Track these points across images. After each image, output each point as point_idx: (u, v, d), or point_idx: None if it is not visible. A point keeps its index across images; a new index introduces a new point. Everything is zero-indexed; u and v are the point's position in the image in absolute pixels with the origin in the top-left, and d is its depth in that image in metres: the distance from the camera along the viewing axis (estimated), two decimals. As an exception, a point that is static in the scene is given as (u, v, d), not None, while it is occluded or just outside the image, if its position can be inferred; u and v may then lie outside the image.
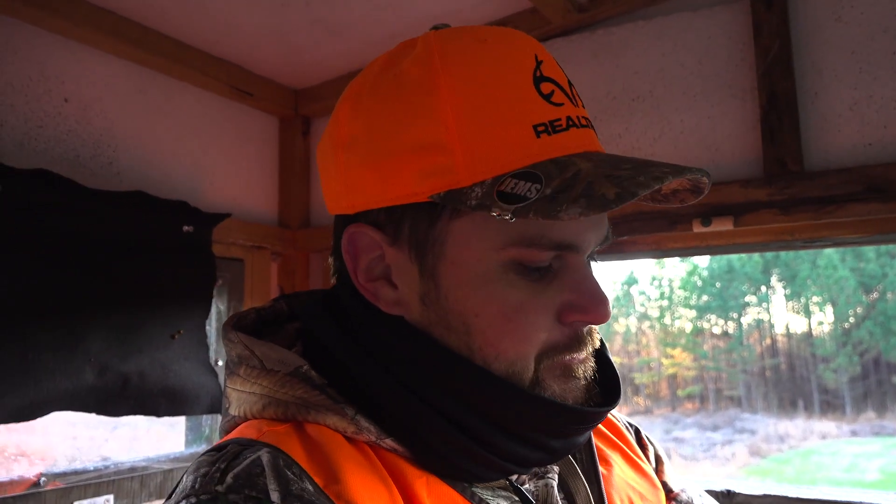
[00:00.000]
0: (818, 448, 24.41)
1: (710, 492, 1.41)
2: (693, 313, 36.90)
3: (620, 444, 0.74)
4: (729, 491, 1.41)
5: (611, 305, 0.58)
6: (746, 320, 36.27)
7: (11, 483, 1.30)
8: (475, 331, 0.55)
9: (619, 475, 0.68)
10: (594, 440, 0.69)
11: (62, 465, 1.41)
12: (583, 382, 0.58)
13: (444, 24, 0.61)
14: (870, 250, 29.45)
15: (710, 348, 36.07)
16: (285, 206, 1.98)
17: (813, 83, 1.37)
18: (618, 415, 0.80)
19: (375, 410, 0.55)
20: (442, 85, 0.55)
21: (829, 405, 31.42)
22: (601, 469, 0.66)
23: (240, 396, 0.59)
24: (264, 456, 0.50)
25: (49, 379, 1.24)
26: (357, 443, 0.55)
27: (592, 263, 0.62)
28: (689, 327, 36.81)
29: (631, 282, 39.47)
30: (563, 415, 0.56)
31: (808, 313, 35.29)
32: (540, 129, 0.54)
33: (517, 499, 0.58)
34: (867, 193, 1.27)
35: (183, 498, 0.48)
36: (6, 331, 1.21)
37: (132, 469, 1.50)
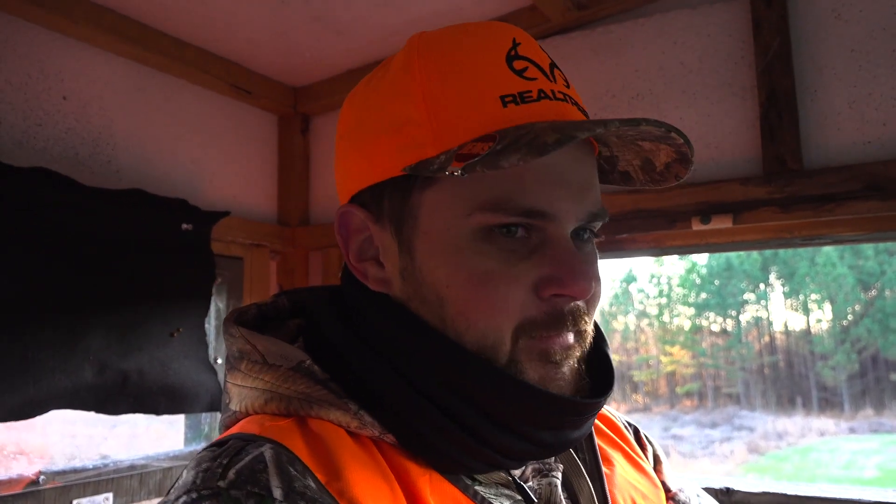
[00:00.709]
0: (816, 445, 24.45)
1: (708, 489, 1.41)
2: (692, 311, 36.93)
3: (621, 443, 0.73)
4: (728, 488, 1.41)
5: (593, 282, 0.56)
6: (745, 318, 36.31)
7: (10, 481, 1.30)
8: (447, 301, 0.55)
9: (622, 474, 0.68)
10: (596, 439, 0.68)
11: (61, 464, 1.41)
12: (565, 370, 0.56)
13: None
14: (868, 248, 29.51)
15: (708, 346, 36.11)
16: (284, 204, 1.98)
17: (813, 81, 1.37)
18: (616, 414, 0.80)
19: (376, 403, 0.55)
20: (416, 67, 0.57)
21: (828, 402, 31.47)
22: (604, 468, 0.66)
23: (241, 391, 0.59)
24: (267, 452, 0.49)
25: (48, 377, 1.24)
26: (360, 438, 0.54)
27: (594, 245, 0.61)
28: (687, 325, 36.85)
29: (630, 279, 39.48)
30: (540, 400, 0.54)
31: (806, 311, 35.34)
32: (507, 99, 0.55)
33: (520, 497, 0.57)
34: (866, 191, 1.27)
35: (184, 493, 0.48)
36: (5, 329, 1.21)
37: (131, 467, 1.50)
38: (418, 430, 0.54)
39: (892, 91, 1.30)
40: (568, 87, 0.59)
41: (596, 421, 0.73)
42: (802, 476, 20.47)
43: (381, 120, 0.58)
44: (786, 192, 1.33)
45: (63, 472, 1.38)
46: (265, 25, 1.61)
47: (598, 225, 0.60)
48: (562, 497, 0.59)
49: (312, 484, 0.48)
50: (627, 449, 0.73)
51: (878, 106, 1.31)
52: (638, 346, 38.19)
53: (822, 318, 34.95)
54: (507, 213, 0.53)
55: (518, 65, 0.56)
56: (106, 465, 1.46)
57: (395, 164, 0.56)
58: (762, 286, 36.41)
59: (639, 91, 1.54)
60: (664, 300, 38.22)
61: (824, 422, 28.11)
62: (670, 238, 1.49)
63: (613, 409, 0.80)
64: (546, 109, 0.55)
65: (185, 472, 0.52)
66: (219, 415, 1.73)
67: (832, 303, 33.35)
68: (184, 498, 0.47)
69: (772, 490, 1.38)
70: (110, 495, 1.44)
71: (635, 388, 35.89)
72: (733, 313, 36.17)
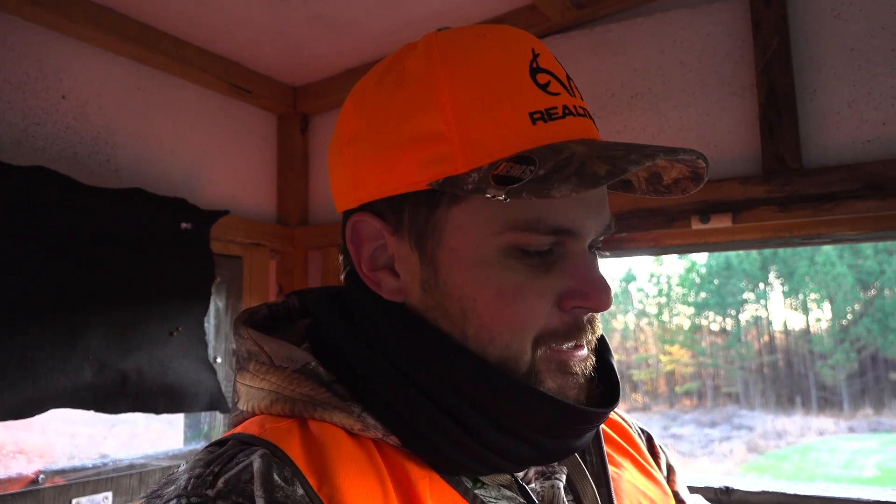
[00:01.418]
0: (816, 444, 24.46)
1: (707, 489, 1.41)
2: (691, 310, 36.94)
3: (631, 450, 0.73)
4: (727, 487, 1.41)
5: (612, 294, 0.58)
6: (744, 317, 36.32)
7: (10, 480, 1.30)
8: (472, 315, 0.56)
9: (630, 480, 0.68)
10: (604, 445, 0.68)
11: (61, 463, 1.41)
12: (581, 380, 0.58)
13: (447, 27, 0.62)
14: (868, 247, 29.50)
15: (708, 345, 36.13)
16: (284, 204, 1.98)
17: (812, 80, 1.37)
18: (630, 420, 0.79)
19: (380, 405, 0.55)
20: (441, 77, 0.56)
21: (827, 402, 31.48)
22: (611, 473, 0.66)
23: (248, 392, 0.60)
24: (256, 461, 0.51)
25: (48, 376, 1.24)
26: (361, 440, 0.55)
27: (598, 255, 0.62)
28: (687, 324, 36.87)
29: (629, 279, 39.50)
30: (555, 409, 0.55)
31: (805, 310, 35.35)
32: (536, 116, 0.55)
33: (522, 500, 0.58)
34: (865, 190, 1.27)
35: (174, 497, 0.49)
36: (5, 328, 1.21)
37: (131, 466, 1.50)
38: (422, 432, 0.54)
39: (891, 90, 1.30)
40: (582, 98, 0.61)
41: (606, 428, 0.73)
42: (802, 475, 20.47)
43: (402, 130, 0.57)
44: (785, 191, 1.33)
45: (62, 472, 1.38)
46: (265, 25, 1.61)
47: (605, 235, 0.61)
48: (565, 500, 0.59)
49: (300, 490, 0.49)
50: (637, 456, 0.73)
51: (877, 105, 1.31)
52: (637, 346, 38.21)
53: (821, 317, 34.98)
54: (538, 233, 0.55)
55: (541, 79, 0.57)
56: (105, 465, 1.46)
57: (420, 178, 0.55)
58: (761, 285, 36.42)
59: (638, 90, 1.54)
60: (663, 299, 38.24)
61: (823, 421, 28.12)
62: (669, 237, 1.49)
63: (627, 416, 0.80)
64: (571, 127, 0.56)
65: (182, 468, 0.53)
66: (218, 414, 1.73)
67: (831, 302, 33.36)
68: (174, 502, 0.49)
69: (771, 489, 1.38)
70: (109, 494, 1.44)
71: (635, 387, 35.89)
72: (733, 312, 36.18)
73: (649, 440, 0.79)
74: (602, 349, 0.64)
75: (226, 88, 1.79)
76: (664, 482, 0.74)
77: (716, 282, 36.33)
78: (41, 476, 1.34)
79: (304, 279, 1.97)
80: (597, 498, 0.62)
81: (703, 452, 24.56)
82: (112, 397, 1.36)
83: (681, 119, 1.49)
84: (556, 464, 0.62)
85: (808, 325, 35.47)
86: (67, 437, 1.48)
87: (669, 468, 0.78)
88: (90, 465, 1.44)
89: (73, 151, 1.46)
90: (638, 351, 37.80)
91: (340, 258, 0.66)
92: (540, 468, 0.61)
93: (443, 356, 0.56)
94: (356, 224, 0.60)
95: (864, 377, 31.45)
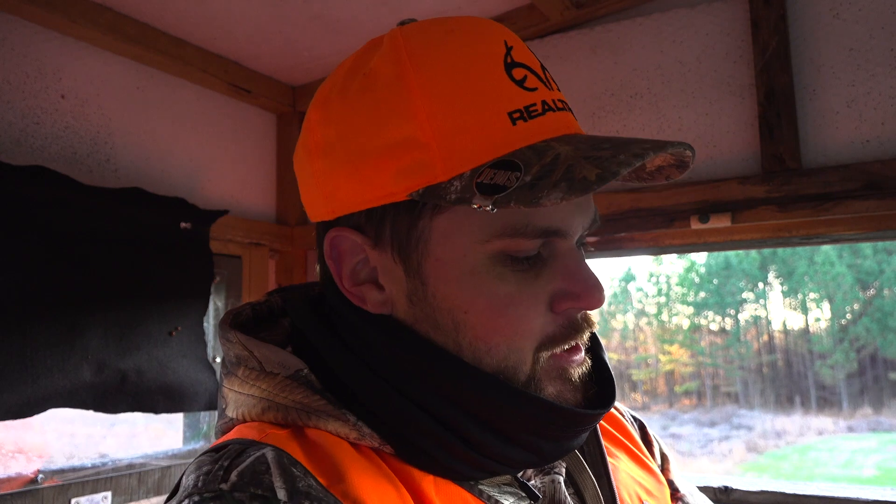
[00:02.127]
0: (815, 444, 24.48)
1: (707, 488, 1.41)
2: (690, 310, 36.95)
3: (625, 441, 0.73)
4: (726, 487, 1.41)
5: (604, 291, 0.56)
6: (744, 317, 36.33)
7: (9, 480, 1.30)
8: (465, 327, 0.54)
9: (626, 471, 0.68)
10: (601, 438, 0.68)
11: (60, 462, 1.41)
12: (578, 384, 0.57)
13: (411, 19, 0.60)
14: (867, 247, 29.53)
15: (707, 345, 36.14)
16: (283, 203, 1.98)
17: (811, 80, 1.37)
18: (623, 409, 0.79)
19: (369, 415, 0.54)
20: (412, 80, 0.53)
21: (826, 401, 31.51)
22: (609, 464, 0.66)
23: (237, 398, 0.58)
24: (269, 453, 0.49)
25: (47, 376, 1.24)
26: (361, 448, 0.54)
27: (584, 253, 0.61)
28: (686, 324, 36.88)
29: (628, 278, 39.49)
30: (555, 415, 0.54)
31: (805, 310, 35.37)
32: (515, 115, 0.53)
33: (523, 494, 0.57)
34: (864, 190, 1.27)
35: (186, 497, 0.47)
36: (4, 328, 1.20)
37: (130, 466, 1.50)
38: (419, 444, 0.53)
39: (890, 90, 1.30)
40: (559, 89, 0.59)
41: (601, 421, 0.73)
42: (801, 475, 20.49)
43: (375, 139, 0.54)
44: (784, 190, 1.33)
45: (62, 471, 1.38)
46: (264, 24, 1.60)
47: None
48: (566, 494, 0.59)
49: (315, 484, 0.48)
50: (631, 447, 0.73)
51: (876, 105, 1.31)
52: (637, 345, 38.21)
53: (820, 316, 35.00)
54: (527, 237, 0.53)
55: (517, 74, 0.55)
56: (104, 464, 1.46)
57: (398, 188, 0.53)
58: (761, 285, 36.44)
59: (637, 90, 1.54)
60: (663, 299, 38.24)
61: (823, 420, 28.15)
62: (669, 237, 1.49)
63: (620, 404, 0.80)
64: (552, 123, 0.54)
65: (184, 476, 0.51)
66: (217, 413, 1.73)
67: (831, 302, 33.38)
68: (185, 502, 0.46)
69: (770, 489, 1.38)
70: (109, 494, 1.44)
71: (634, 387, 35.90)
72: (732, 312, 36.20)
73: (642, 428, 0.79)
74: (594, 346, 0.63)
75: (225, 88, 1.79)
76: (658, 471, 0.74)
77: (715, 281, 36.34)
78: (40, 476, 1.34)
79: (304, 279, 1.97)
80: (597, 490, 0.62)
81: (703, 452, 24.57)
82: (111, 397, 1.36)
83: (680, 119, 1.49)
84: None
85: (808, 325, 35.51)
86: (67, 436, 1.48)
87: (664, 457, 0.78)
88: (89, 465, 1.44)
89: (73, 151, 1.46)
90: (637, 351, 37.81)
91: (318, 267, 0.63)
92: None
93: (437, 368, 0.54)
94: (334, 240, 0.58)
95: (863, 377, 31.47)
